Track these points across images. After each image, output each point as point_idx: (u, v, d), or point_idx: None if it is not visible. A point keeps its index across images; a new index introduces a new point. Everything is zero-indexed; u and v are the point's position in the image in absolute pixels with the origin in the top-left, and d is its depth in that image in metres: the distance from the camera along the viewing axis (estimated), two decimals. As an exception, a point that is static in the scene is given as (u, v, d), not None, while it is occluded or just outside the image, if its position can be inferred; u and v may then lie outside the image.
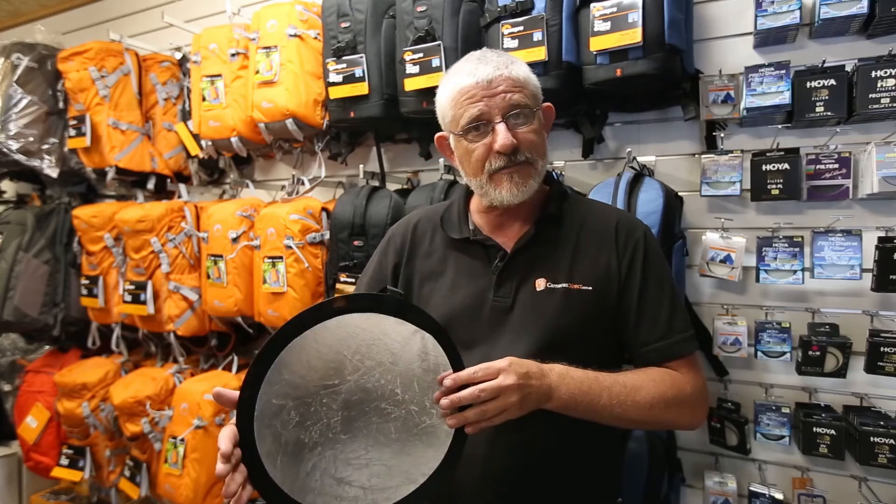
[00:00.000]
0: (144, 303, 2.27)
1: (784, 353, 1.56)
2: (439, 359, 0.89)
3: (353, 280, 1.82)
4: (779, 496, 1.55)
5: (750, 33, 1.60)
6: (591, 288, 1.03)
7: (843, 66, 1.47)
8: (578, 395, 0.92)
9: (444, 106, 1.08)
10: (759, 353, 1.59)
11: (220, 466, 0.78)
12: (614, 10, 1.45)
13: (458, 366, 0.89)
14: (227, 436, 0.80)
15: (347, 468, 0.86)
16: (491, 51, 1.08)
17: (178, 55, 2.51)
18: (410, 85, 1.72)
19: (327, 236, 1.96)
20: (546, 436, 1.01)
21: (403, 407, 0.88)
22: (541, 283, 1.04)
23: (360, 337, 0.87)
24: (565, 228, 1.09)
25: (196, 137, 2.31)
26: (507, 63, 1.03)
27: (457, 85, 1.04)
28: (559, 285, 1.04)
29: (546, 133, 1.11)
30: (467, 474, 1.01)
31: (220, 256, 2.11)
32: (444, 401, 0.85)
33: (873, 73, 1.40)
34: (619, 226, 1.08)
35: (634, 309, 1.05)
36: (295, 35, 1.97)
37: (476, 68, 1.02)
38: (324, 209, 2.01)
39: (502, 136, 1.00)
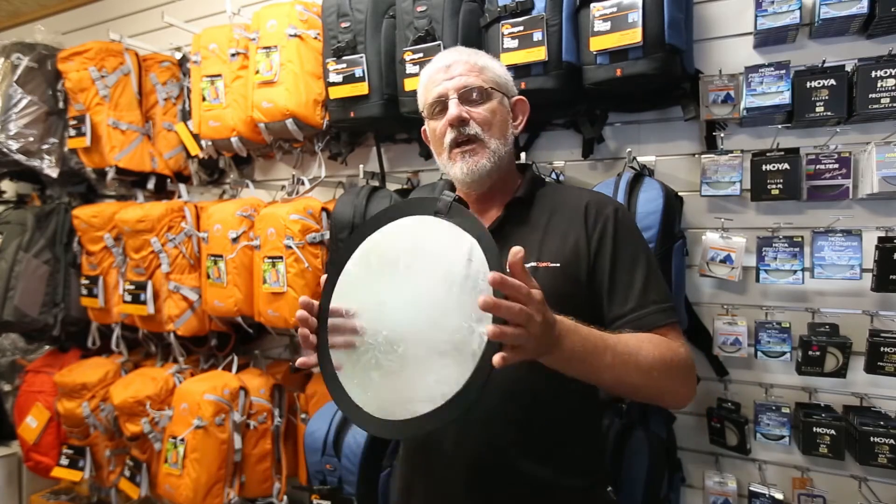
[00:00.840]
0: (144, 303, 2.27)
1: (784, 353, 1.56)
2: (480, 267, 0.82)
3: (353, 280, 1.82)
4: (779, 496, 1.55)
5: (750, 33, 1.60)
6: (558, 265, 1.05)
7: (843, 66, 1.47)
8: (582, 352, 0.87)
9: (419, 94, 1.19)
10: (759, 353, 1.59)
11: (301, 330, 0.94)
12: (614, 10, 1.45)
13: (496, 267, 0.81)
14: (305, 302, 0.94)
15: (381, 366, 0.89)
16: (465, 47, 1.19)
17: (178, 55, 2.51)
18: (410, 85, 1.72)
19: (327, 236, 1.96)
20: (514, 420, 1.03)
21: (439, 314, 0.85)
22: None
23: (415, 237, 0.91)
24: (536, 211, 1.13)
25: (196, 137, 2.31)
26: (471, 53, 1.14)
27: (425, 73, 1.17)
28: (528, 264, 1.04)
29: (516, 123, 1.17)
30: (436, 459, 1.04)
31: (220, 256, 2.12)
32: (488, 300, 0.74)
33: (873, 73, 1.40)
34: (588, 205, 1.10)
35: (607, 282, 1.05)
36: (295, 35, 1.97)
37: (441, 56, 1.15)
38: (324, 209, 2.01)
39: (451, 109, 1.09)
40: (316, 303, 0.96)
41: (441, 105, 1.11)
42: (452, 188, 1.24)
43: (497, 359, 0.74)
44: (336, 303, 0.95)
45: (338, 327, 0.94)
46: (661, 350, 0.98)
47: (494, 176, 1.12)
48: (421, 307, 0.87)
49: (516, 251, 0.77)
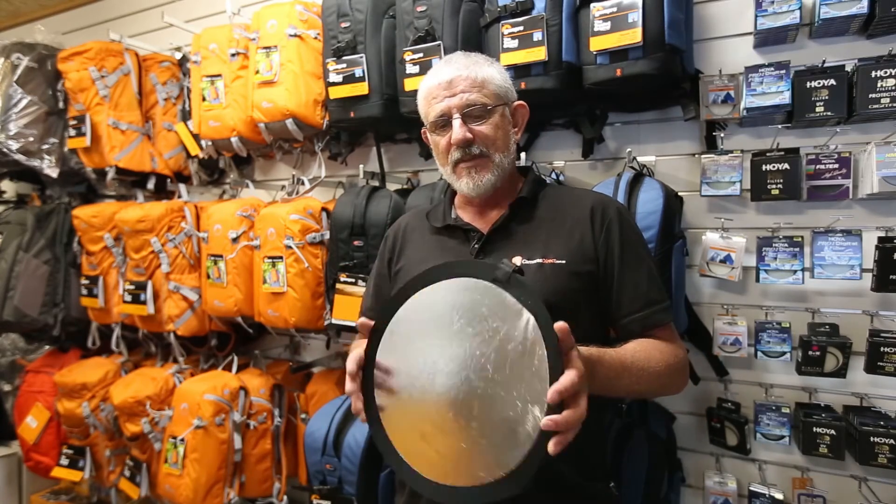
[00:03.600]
0: (144, 303, 2.27)
1: (784, 353, 1.56)
2: (536, 346, 0.82)
3: (353, 280, 1.82)
4: (779, 496, 1.55)
5: (750, 33, 1.60)
6: (564, 261, 1.08)
7: (843, 66, 1.47)
8: (606, 383, 0.92)
9: (419, 104, 1.20)
10: (759, 353, 1.59)
11: (349, 385, 0.95)
12: (614, 10, 1.45)
13: (553, 355, 0.81)
14: (353, 359, 0.95)
15: (431, 425, 0.88)
16: (463, 54, 1.18)
17: (178, 55, 2.51)
18: (410, 85, 1.71)
19: (327, 236, 1.96)
20: None
21: (491, 387, 0.85)
22: (517, 261, 1.08)
23: (471, 300, 0.90)
24: (540, 211, 1.16)
25: (196, 137, 2.31)
26: (470, 65, 1.14)
27: (426, 85, 1.17)
28: (534, 261, 1.08)
29: (516, 129, 1.20)
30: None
31: (220, 256, 2.11)
32: (549, 423, 0.78)
33: (873, 73, 1.40)
34: (594, 206, 1.14)
35: (615, 283, 1.10)
36: (295, 35, 1.97)
37: (441, 70, 1.15)
38: (324, 209, 2.01)
39: (456, 130, 1.10)
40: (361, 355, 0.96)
41: (444, 121, 1.13)
42: (453, 193, 1.25)
43: (552, 448, 0.76)
44: (384, 354, 0.95)
45: (383, 380, 0.95)
46: (666, 356, 1.05)
47: (499, 184, 1.16)
48: (473, 376, 0.86)
49: (562, 327, 0.80)
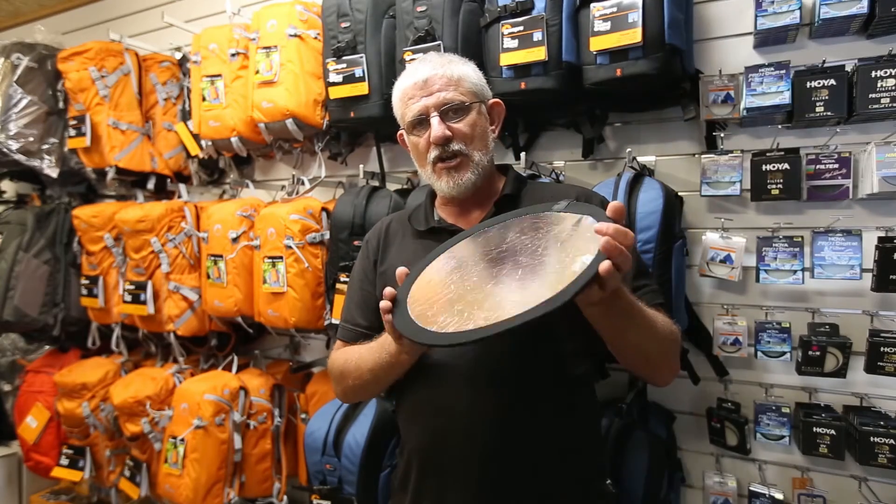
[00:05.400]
0: (144, 303, 2.27)
1: (784, 353, 1.56)
2: (588, 227, 0.88)
3: (353, 280, 1.82)
4: (779, 496, 1.55)
5: (750, 33, 1.60)
6: None
7: (843, 66, 1.47)
8: (629, 307, 0.92)
9: (395, 106, 1.20)
10: (759, 353, 1.59)
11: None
12: (614, 10, 1.44)
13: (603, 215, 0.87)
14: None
15: (469, 304, 0.89)
16: (436, 54, 1.19)
17: (178, 55, 2.51)
18: (410, 85, 1.71)
19: (327, 236, 1.96)
20: (524, 412, 1.05)
21: (540, 258, 0.89)
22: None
23: (528, 223, 0.99)
24: (525, 206, 1.16)
25: (196, 137, 2.31)
26: (444, 63, 1.15)
27: (401, 86, 1.17)
28: None
29: (494, 127, 1.20)
30: (448, 452, 1.07)
31: (220, 256, 2.12)
32: (603, 226, 0.80)
33: (873, 73, 1.39)
34: (577, 198, 1.15)
35: None
36: (295, 35, 1.97)
37: (416, 70, 1.15)
38: (324, 209, 2.01)
39: (435, 128, 1.10)
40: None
41: (421, 121, 1.13)
42: (434, 194, 1.26)
43: (605, 265, 0.76)
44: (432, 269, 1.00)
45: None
46: (669, 324, 1.04)
47: (479, 183, 1.16)
48: (522, 258, 0.91)
49: (616, 205, 0.82)
